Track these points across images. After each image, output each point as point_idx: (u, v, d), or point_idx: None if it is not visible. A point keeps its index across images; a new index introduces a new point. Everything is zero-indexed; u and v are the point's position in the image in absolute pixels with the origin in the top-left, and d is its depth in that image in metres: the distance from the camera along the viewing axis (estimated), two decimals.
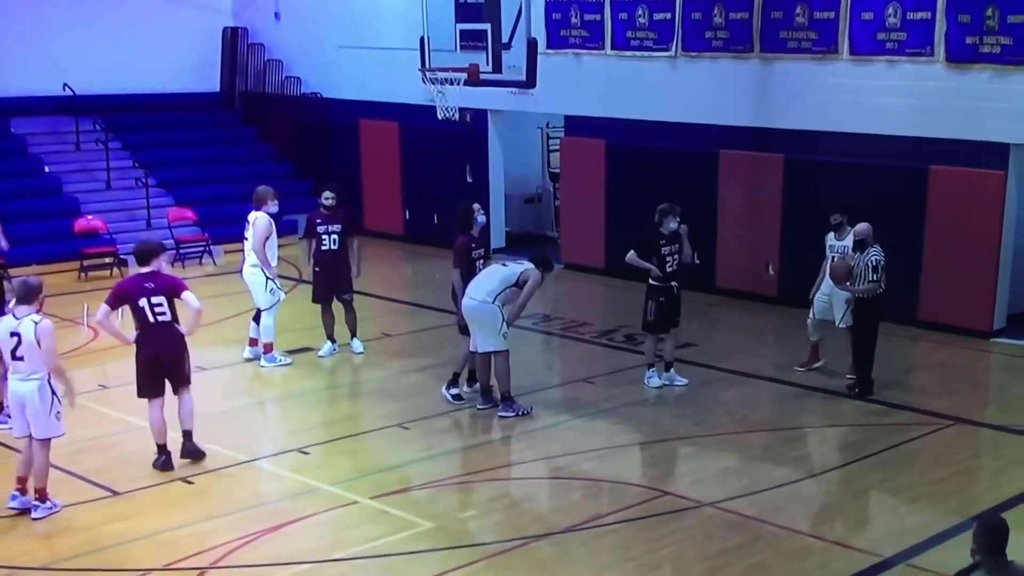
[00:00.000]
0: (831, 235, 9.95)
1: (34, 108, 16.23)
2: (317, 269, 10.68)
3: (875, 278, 9.29)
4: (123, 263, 14.37)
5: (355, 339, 10.81)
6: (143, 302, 7.74)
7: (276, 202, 10.47)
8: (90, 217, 14.96)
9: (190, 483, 7.76)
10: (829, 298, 9.92)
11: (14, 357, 7.06)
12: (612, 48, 13.60)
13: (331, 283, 10.60)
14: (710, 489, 7.68)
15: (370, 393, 10.10)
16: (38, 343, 6.97)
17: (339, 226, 10.51)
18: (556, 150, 15.67)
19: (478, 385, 9.32)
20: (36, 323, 7.01)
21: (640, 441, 8.65)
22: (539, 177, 16.84)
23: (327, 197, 10.57)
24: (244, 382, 10.37)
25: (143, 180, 15.86)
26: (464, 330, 9.28)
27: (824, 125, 11.98)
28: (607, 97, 13.70)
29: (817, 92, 11.98)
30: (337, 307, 10.76)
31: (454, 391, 9.40)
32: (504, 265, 9.11)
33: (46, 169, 15.84)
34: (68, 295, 13.00)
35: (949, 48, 11.05)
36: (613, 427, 8.92)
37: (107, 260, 14.40)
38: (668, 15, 13.04)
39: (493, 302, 8.82)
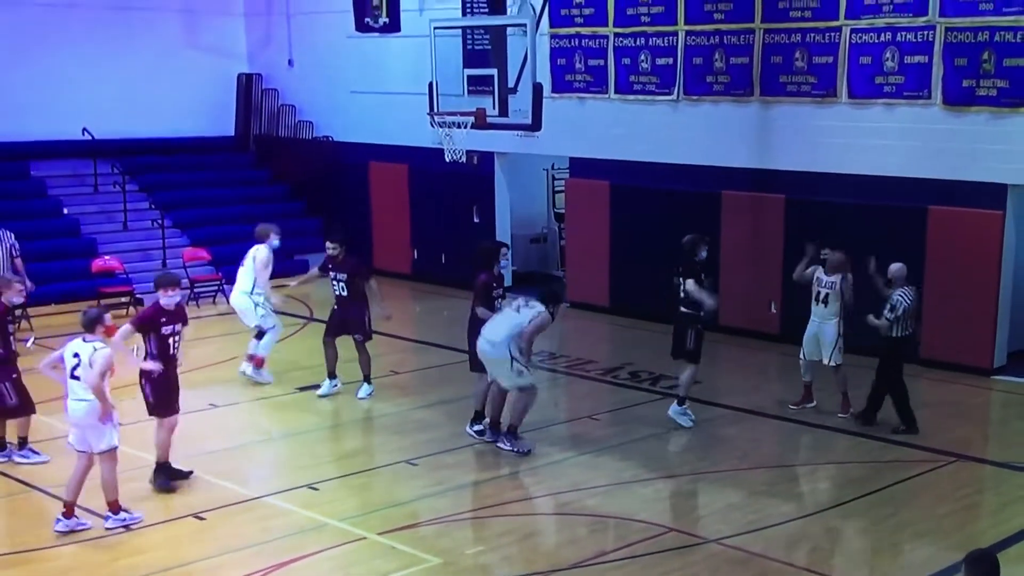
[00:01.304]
0: (821, 268, 10.15)
1: (54, 152, 16.55)
2: (334, 307, 10.88)
3: (889, 316, 9.46)
4: (139, 302, 14.60)
5: (364, 384, 10.80)
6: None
7: (277, 237, 11.31)
8: (107, 257, 15.21)
9: (201, 519, 7.87)
10: (816, 338, 10.08)
11: (72, 376, 7.57)
12: (616, 92, 13.87)
13: (342, 324, 10.76)
14: (715, 525, 7.77)
15: (378, 429, 10.23)
16: (91, 365, 7.46)
17: (344, 275, 10.59)
18: (561, 191, 15.89)
19: (487, 420, 9.46)
20: (96, 348, 7.52)
21: (645, 477, 8.72)
22: (545, 217, 17.05)
23: (329, 247, 10.67)
24: (254, 419, 10.52)
25: (159, 221, 16.14)
26: (476, 367, 9.44)
27: (824, 167, 12.18)
28: (611, 140, 13.95)
29: (816, 134, 12.19)
30: (349, 345, 10.84)
31: (477, 427, 9.52)
32: (517, 311, 9.19)
33: (65, 211, 16.14)
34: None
35: (946, 91, 11.27)
36: (618, 463, 9.01)
37: (123, 299, 14.62)
38: (670, 60, 13.33)
39: (505, 345, 8.98)
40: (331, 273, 10.73)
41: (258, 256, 11.23)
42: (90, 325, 7.65)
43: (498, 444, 9.17)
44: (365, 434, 10.31)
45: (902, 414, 9.65)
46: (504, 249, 9.68)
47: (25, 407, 8.85)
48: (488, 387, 9.44)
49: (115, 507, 7.67)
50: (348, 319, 10.71)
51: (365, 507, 8.13)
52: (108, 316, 7.79)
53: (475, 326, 9.41)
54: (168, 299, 8.28)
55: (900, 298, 9.49)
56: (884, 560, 7.34)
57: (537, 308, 9.10)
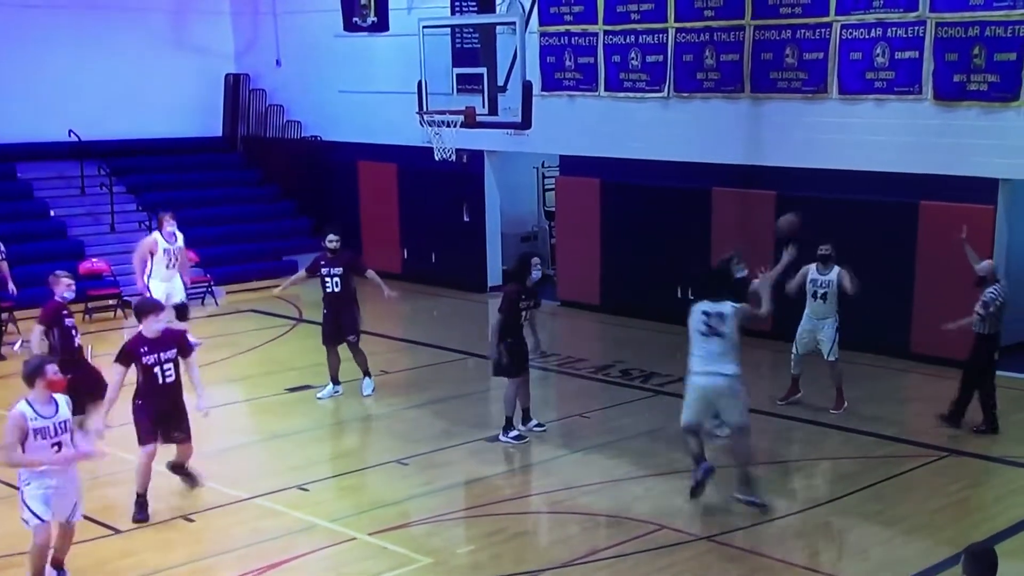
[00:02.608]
0: (814, 267, 9.97)
1: (40, 154, 16.46)
2: (325, 311, 10.72)
3: (981, 312, 9.41)
4: (127, 304, 14.51)
5: (366, 378, 10.74)
6: None
7: (170, 223, 12.27)
8: (95, 260, 15.12)
9: (191, 520, 7.82)
10: (812, 333, 10.07)
11: None
12: (606, 89, 13.83)
13: (335, 325, 10.61)
14: (706, 522, 7.75)
15: (369, 429, 10.19)
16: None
17: (340, 269, 10.49)
18: (551, 189, 15.88)
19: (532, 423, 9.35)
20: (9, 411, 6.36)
21: (637, 475, 8.70)
22: (535, 216, 17.04)
23: (330, 240, 10.60)
24: (243, 420, 10.47)
25: (147, 223, 16.06)
26: (500, 371, 9.35)
27: (815, 163, 12.15)
28: (601, 137, 13.90)
29: (807, 130, 12.17)
30: (346, 349, 10.74)
31: (513, 433, 9.38)
32: (718, 333, 7.71)
33: (52, 213, 16.04)
34: None
35: (937, 86, 11.26)
36: (610, 461, 8.98)
37: (111, 302, 14.55)
38: (660, 57, 13.29)
39: (738, 377, 7.80)
40: (324, 269, 10.55)
41: (142, 241, 12.45)
42: (28, 378, 6.41)
43: (748, 500, 7.89)
44: (355, 434, 10.27)
45: (987, 411, 9.54)
46: (535, 259, 9.43)
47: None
48: (517, 392, 9.32)
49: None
50: (342, 322, 10.56)
51: (356, 507, 8.08)
52: (52, 367, 6.50)
53: (500, 331, 9.29)
54: (149, 328, 7.79)
55: (993, 295, 9.40)
56: (876, 555, 7.31)
57: (727, 308, 7.76)
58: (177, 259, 12.23)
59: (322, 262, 10.61)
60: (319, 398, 10.68)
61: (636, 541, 7.37)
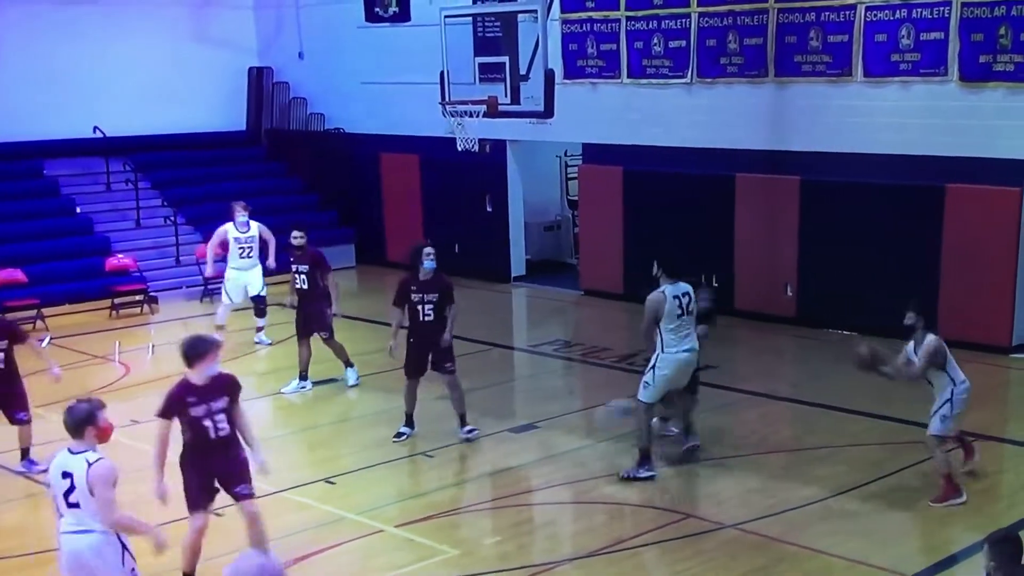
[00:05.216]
0: (910, 345, 7.72)
1: (66, 150, 16.60)
2: (297, 307, 10.81)
3: None
4: (153, 300, 14.66)
5: (348, 369, 10.74)
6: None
7: (242, 213, 12.40)
8: (121, 256, 15.25)
9: (219, 515, 7.87)
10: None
11: (68, 504, 5.46)
12: (628, 76, 13.77)
13: (304, 321, 10.68)
14: (733, 510, 7.73)
15: (394, 422, 10.18)
16: (91, 491, 5.38)
17: (306, 267, 10.53)
18: (574, 178, 15.83)
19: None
20: (90, 463, 5.38)
21: (662, 464, 8.70)
22: (558, 205, 17.00)
23: (294, 236, 10.61)
24: (270, 414, 10.54)
25: (172, 218, 16.20)
26: (410, 372, 9.15)
27: (840, 147, 12.06)
28: (624, 125, 13.85)
29: (832, 114, 12.08)
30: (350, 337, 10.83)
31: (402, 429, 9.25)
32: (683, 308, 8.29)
33: (78, 209, 16.20)
34: (100, 332, 13.31)
35: (963, 67, 11.13)
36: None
37: (138, 298, 14.69)
38: (683, 43, 13.21)
39: None
40: (292, 266, 10.67)
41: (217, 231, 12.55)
42: (77, 428, 5.45)
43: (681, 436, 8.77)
44: (381, 427, 10.27)
45: None
46: (426, 249, 8.88)
47: None
48: (409, 393, 9.22)
49: None
50: (309, 318, 10.60)
51: (382, 500, 8.13)
52: (102, 414, 5.53)
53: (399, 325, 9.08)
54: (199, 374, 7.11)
55: None
56: (904, 542, 7.29)
57: (690, 288, 8.54)
58: (252, 248, 12.38)
59: (291, 259, 10.70)
60: (282, 391, 10.64)
61: (663, 530, 7.38)
